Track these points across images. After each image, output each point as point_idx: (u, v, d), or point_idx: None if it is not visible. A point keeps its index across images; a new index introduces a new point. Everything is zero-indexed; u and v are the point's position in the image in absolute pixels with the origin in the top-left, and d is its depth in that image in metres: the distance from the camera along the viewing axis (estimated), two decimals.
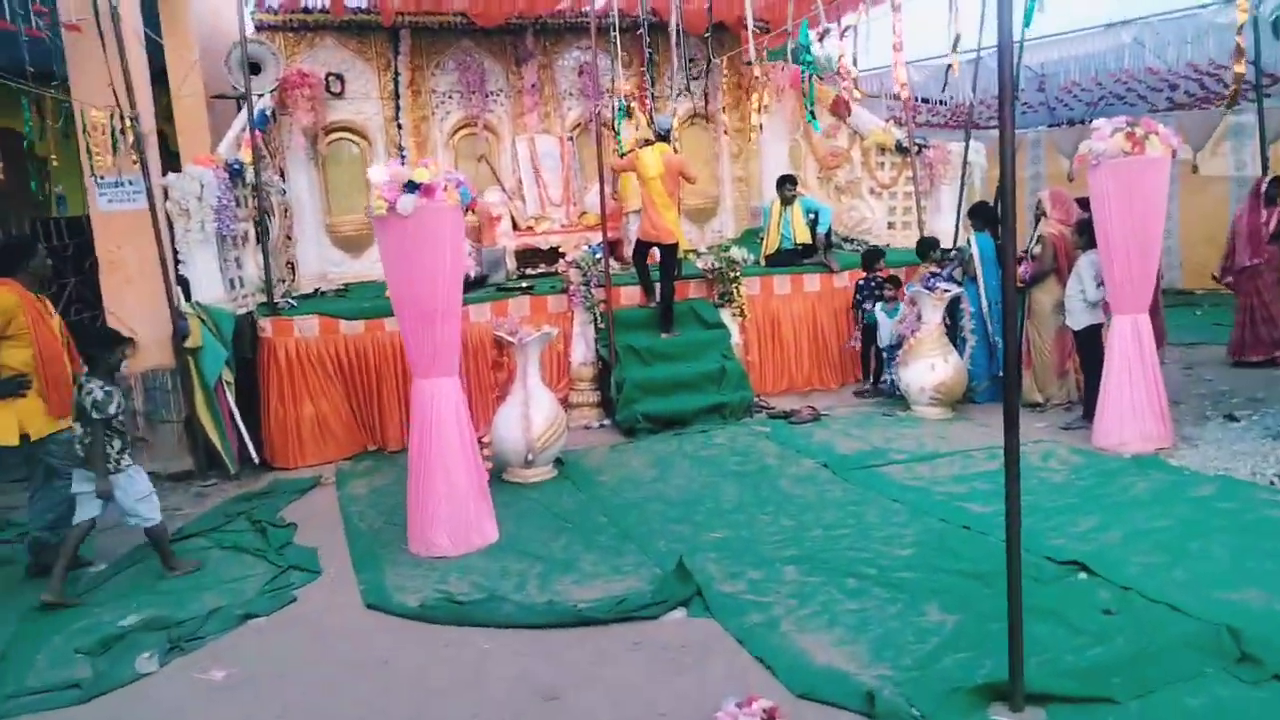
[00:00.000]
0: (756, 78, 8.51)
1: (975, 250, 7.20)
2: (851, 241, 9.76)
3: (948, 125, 11.98)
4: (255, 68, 8.09)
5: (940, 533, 4.55)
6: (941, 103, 11.38)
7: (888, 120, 10.23)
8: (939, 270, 7.57)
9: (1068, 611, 3.58)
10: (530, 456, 5.82)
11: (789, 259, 8.46)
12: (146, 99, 6.29)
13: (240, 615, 4.06)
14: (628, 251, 9.10)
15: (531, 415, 5.81)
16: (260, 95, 7.77)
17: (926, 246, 7.97)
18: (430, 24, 8.93)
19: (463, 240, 4.79)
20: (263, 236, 7.43)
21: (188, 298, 6.56)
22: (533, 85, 9.46)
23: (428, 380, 4.72)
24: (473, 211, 4.99)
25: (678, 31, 7.43)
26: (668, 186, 7.33)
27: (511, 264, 8.70)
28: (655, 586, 4.11)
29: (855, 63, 6.87)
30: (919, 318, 6.88)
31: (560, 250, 8.28)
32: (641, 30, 7.68)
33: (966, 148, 8.71)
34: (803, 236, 8.48)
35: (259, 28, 8.39)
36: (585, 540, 4.81)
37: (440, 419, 4.73)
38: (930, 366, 6.76)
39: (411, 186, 4.41)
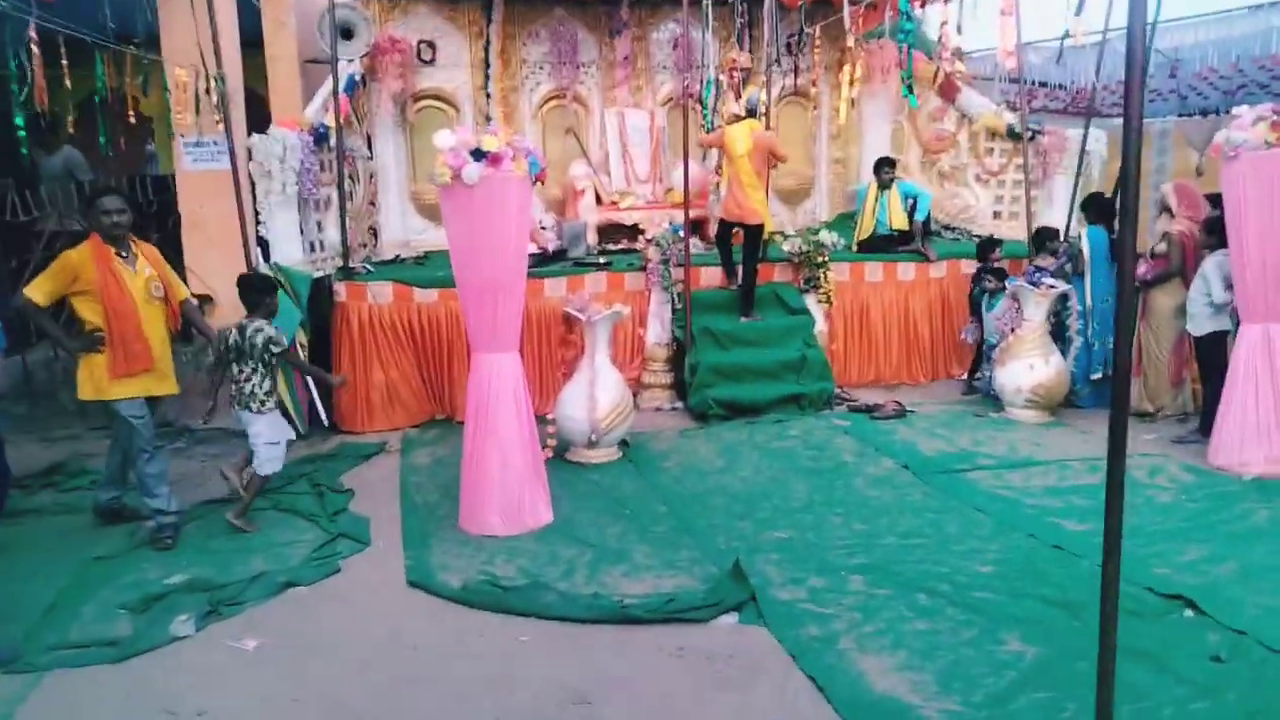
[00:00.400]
0: (849, 49, 8.03)
1: (1086, 245, 6.63)
2: (953, 230, 9.21)
3: (1066, 112, 11.16)
4: (347, 33, 8.06)
5: (1027, 551, 4.15)
6: (1061, 87, 10.61)
7: (1000, 104, 9.57)
8: (1044, 265, 7.03)
9: (1169, 655, 3.17)
10: (594, 437, 5.61)
11: (883, 245, 8.01)
12: (235, 59, 6.31)
13: (282, 583, 3.98)
14: (710, 230, 8.82)
15: (597, 395, 5.60)
16: (350, 61, 7.73)
17: (1044, 237, 7.39)
18: None
19: (529, 213, 4.58)
20: (346, 201, 7.42)
21: (266, 259, 6.58)
22: (625, 58, 9.20)
23: (488, 355, 4.55)
24: (541, 182, 4.73)
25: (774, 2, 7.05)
26: (755, 165, 6.99)
27: (593, 239, 8.51)
28: (709, 587, 3.85)
29: (959, 32, 6.35)
30: (1019, 313, 6.38)
31: (642, 228, 8.03)
32: (734, 2, 7.29)
33: (1085, 135, 8.07)
34: (899, 223, 8.02)
35: None
36: (641, 530, 4.58)
37: (498, 396, 4.56)
38: (1029, 367, 6.26)
39: (478, 154, 4.22)
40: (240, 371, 4.72)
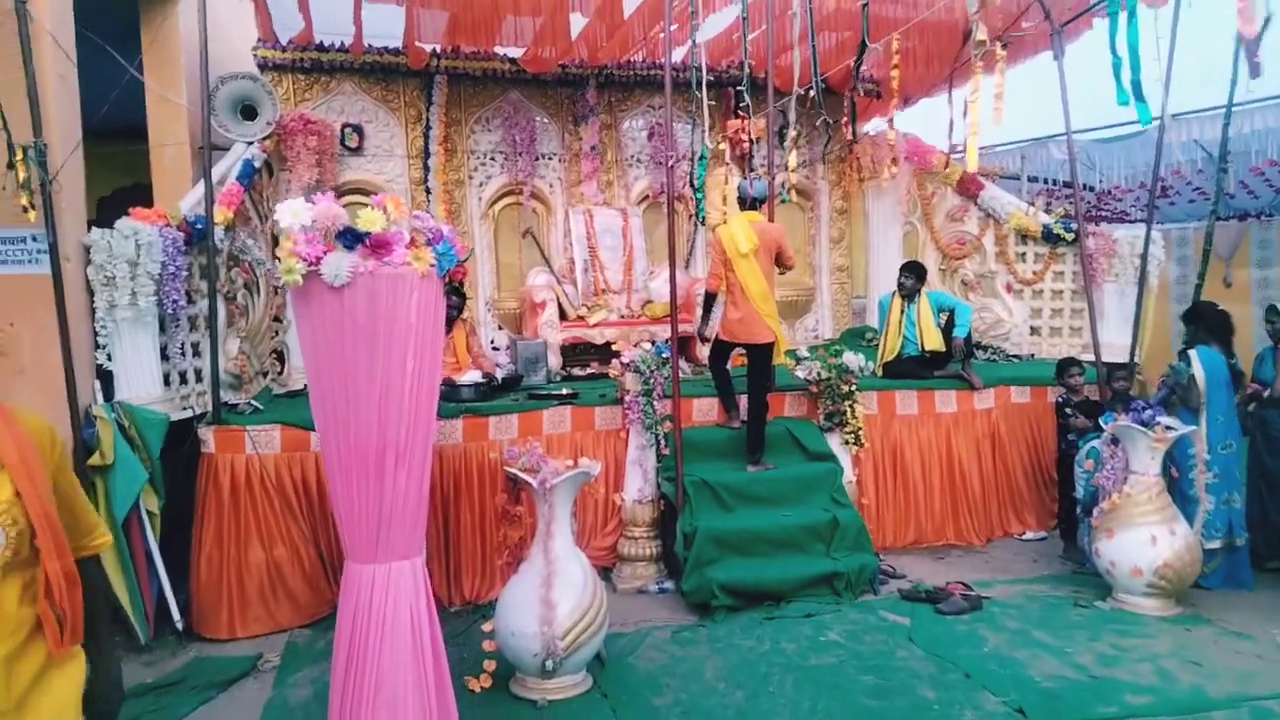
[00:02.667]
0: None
1: (1199, 371, 5.08)
2: (986, 350, 7.68)
3: (1093, 216, 9.87)
4: (249, 111, 6.56)
5: None
6: (1089, 188, 9.35)
7: (1030, 202, 8.24)
8: (1134, 397, 5.49)
9: None
10: (550, 662, 3.78)
11: (913, 369, 6.43)
12: (66, 125, 4.68)
13: None
14: (701, 352, 7.20)
15: (555, 598, 3.81)
16: (250, 143, 6.18)
17: (1060, 369, 5.99)
18: (473, 71, 7.35)
19: (439, 330, 2.90)
20: (234, 317, 5.73)
21: (108, 396, 4.82)
22: (592, 148, 7.78)
23: (367, 567, 2.77)
24: (455, 282, 3.05)
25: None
26: (763, 266, 5.44)
27: (555, 362, 6.85)
28: None
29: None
30: (1126, 465, 4.75)
31: (616, 348, 6.39)
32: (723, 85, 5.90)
33: (1149, 234, 6.65)
34: (933, 341, 6.46)
35: (262, 67, 6.89)
36: None
37: (384, 628, 2.76)
38: (1149, 539, 4.58)
39: (351, 237, 2.57)
40: None
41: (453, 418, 5.28)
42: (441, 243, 2.80)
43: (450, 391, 5.48)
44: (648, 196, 8.06)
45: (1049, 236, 7.67)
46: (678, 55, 7.89)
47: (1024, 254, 7.96)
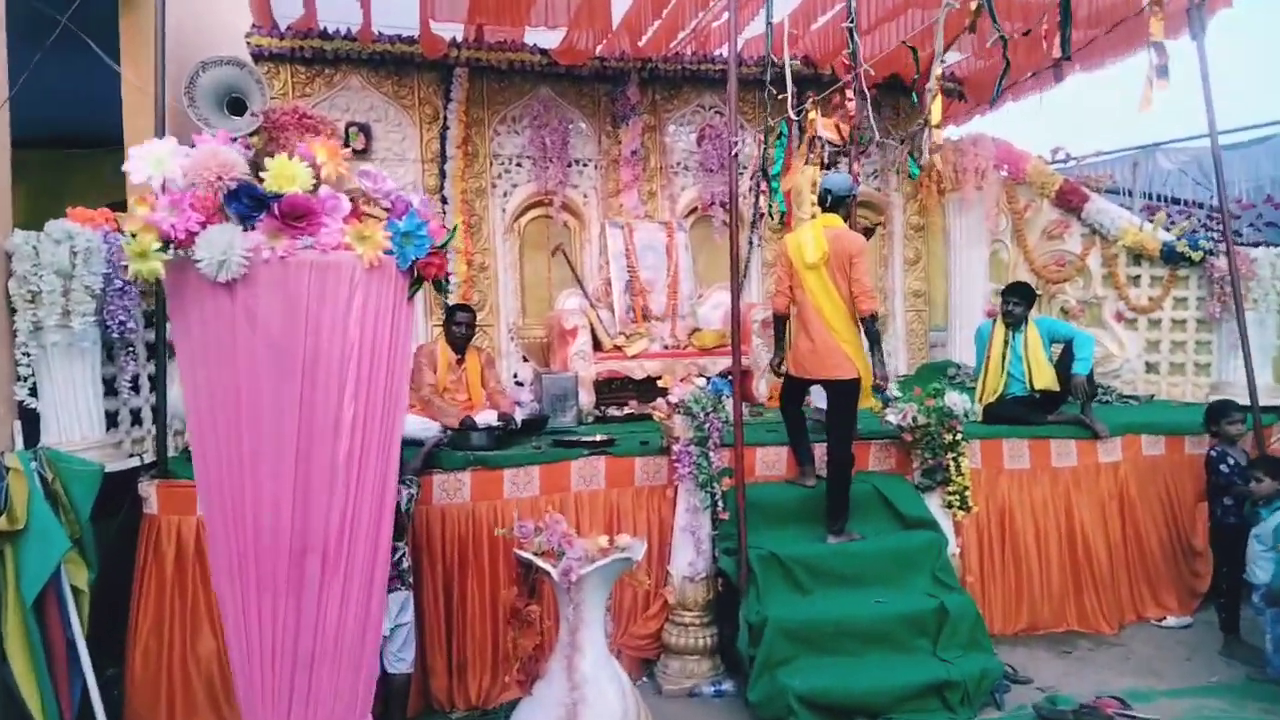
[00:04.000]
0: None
1: None
2: (1099, 390, 6.48)
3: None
4: (237, 104, 5.64)
5: None
6: (1199, 205, 8.17)
7: (1143, 214, 7.09)
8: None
9: None
10: None
11: (1021, 413, 5.28)
12: None
13: None
14: (759, 388, 6.12)
15: None
16: (234, 138, 5.23)
17: (1217, 414, 4.82)
18: (498, 63, 6.41)
19: (401, 357, 1.86)
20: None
21: (30, 441, 3.86)
22: (633, 153, 6.77)
23: None
24: (432, 281, 1.93)
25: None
26: (837, 282, 4.35)
27: (586, 400, 5.81)
28: None
29: None
30: None
31: (660, 382, 5.32)
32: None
33: None
34: (1044, 379, 5.30)
35: (256, 57, 6.00)
36: None
37: None
38: None
39: (249, 202, 1.56)
40: None
41: (459, 469, 4.24)
42: (407, 216, 1.78)
43: (457, 437, 4.45)
44: (696, 209, 7.03)
45: (1170, 256, 6.51)
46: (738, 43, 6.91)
47: (1137, 277, 6.80)
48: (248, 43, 5.98)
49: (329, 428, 1.66)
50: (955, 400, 4.56)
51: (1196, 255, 6.33)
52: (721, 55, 6.86)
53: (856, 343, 4.39)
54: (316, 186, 1.72)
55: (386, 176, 1.95)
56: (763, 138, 5.58)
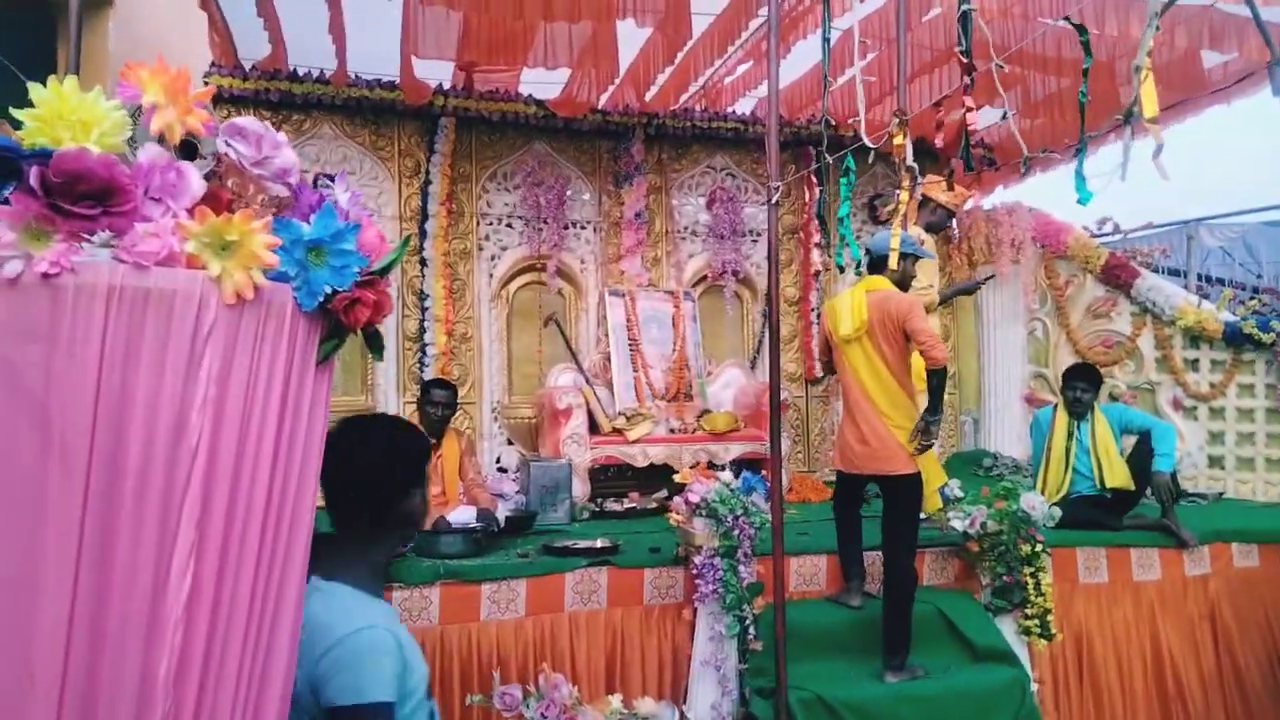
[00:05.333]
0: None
1: None
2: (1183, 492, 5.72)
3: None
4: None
5: None
6: (1240, 286, 7.56)
7: (1202, 294, 6.46)
8: None
9: None
10: None
11: (1092, 515, 4.50)
12: None
13: None
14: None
15: None
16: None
17: None
18: (488, 114, 5.77)
19: (309, 462, 1.06)
20: None
21: None
22: (637, 215, 6.10)
23: None
24: (366, 332, 1.13)
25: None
26: (886, 353, 3.60)
27: (581, 491, 4.99)
28: None
29: None
30: None
31: (678, 476, 4.49)
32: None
33: None
34: (1117, 477, 4.54)
35: (216, 99, 5.32)
36: None
37: None
38: None
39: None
40: None
41: (426, 584, 3.39)
42: (319, 215, 1.03)
43: (425, 540, 3.61)
44: (705, 277, 6.35)
45: (1234, 338, 5.84)
46: (745, 106, 6.34)
47: (1195, 360, 6.11)
48: (205, 82, 5.31)
49: (146, 568, 0.87)
50: (1033, 503, 3.77)
51: (1267, 338, 5.66)
52: (734, 113, 6.29)
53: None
54: (122, 146, 0.98)
55: (285, 142, 1.20)
56: (814, 180, 4.94)
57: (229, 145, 1.18)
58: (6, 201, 0.97)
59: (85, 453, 0.87)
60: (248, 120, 1.21)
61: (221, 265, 1.06)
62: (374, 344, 1.33)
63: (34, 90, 1.01)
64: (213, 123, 1.20)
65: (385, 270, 1.21)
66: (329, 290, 1.16)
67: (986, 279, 5.70)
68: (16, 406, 0.85)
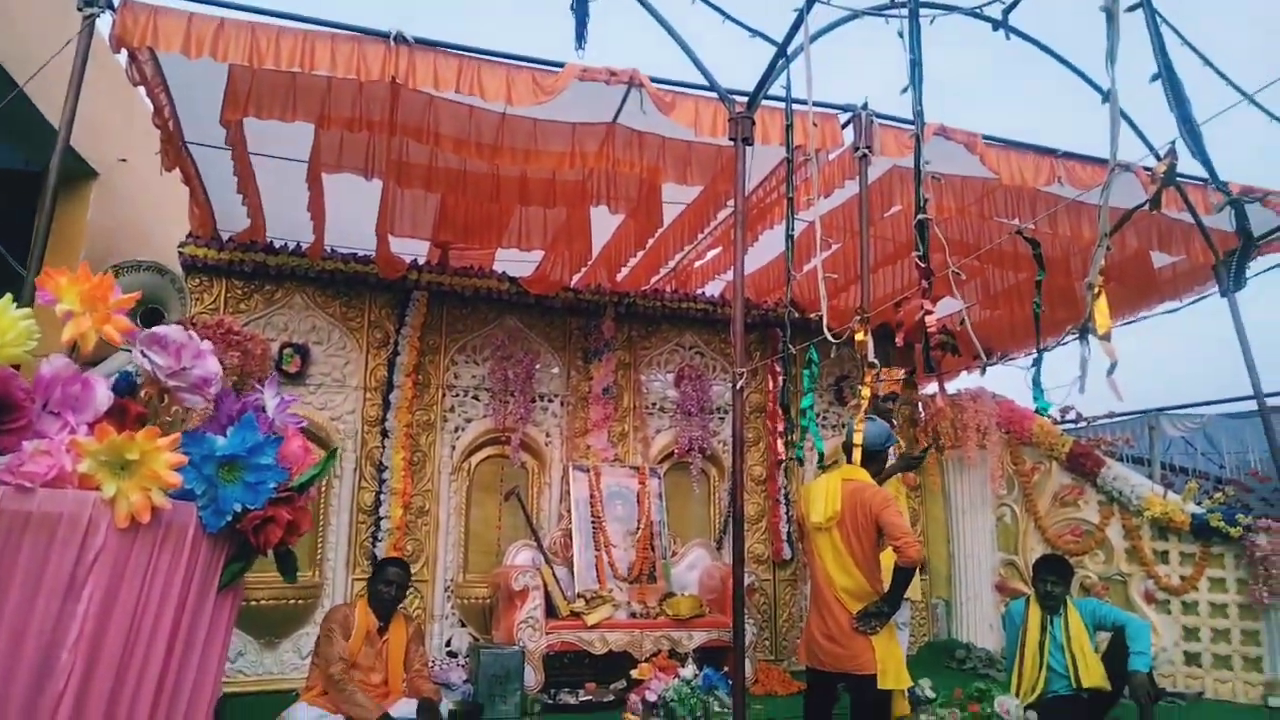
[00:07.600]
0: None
1: None
2: (1163, 692, 5.50)
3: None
4: (155, 314, 4.97)
5: None
6: (1203, 474, 7.62)
7: (1167, 484, 6.47)
8: None
9: None
10: None
11: (1068, 717, 4.26)
12: None
13: None
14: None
15: None
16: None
17: None
18: (461, 289, 5.87)
19: (205, 696, 0.95)
20: None
21: None
22: (605, 390, 6.12)
23: None
24: (278, 551, 1.04)
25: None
26: (854, 548, 3.51)
27: (534, 680, 4.71)
28: None
29: None
30: None
31: (631, 657, 4.25)
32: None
33: None
34: (1093, 677, 4.34)
35: (190, 267, 5.38)
36: None
37: None
38: None
39: None
40: None
41: None
42: (237, 426, 0.97)
43: None
44: (672, 454, 6.28)
45: (1201, 530, 5.79)
46: (715, 289, 6.51)
47: (1164, 552, 6.03)
48: (180, 252, 5.38)
49: None
50: (1007, 707, 3.59)
51: (1234, 531, 5.63)
52: (704, 294, 6.45)
53: (891, 629, 3.47)
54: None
55: (208, 351, 1.15)
56: (777, 368, 4.95)
57: (145, 355, 1.13)
58: None
59: None
60: (170, 329, 1.18)
61: (117, 486, 0.99)
62: (285, 565, 1.23)
63: None
64: (135, 331, 1.15)
65: (305, 486, 1.14)
66: (239, 509, 1.08)
67: (925, 451, 5.68)
68: None
